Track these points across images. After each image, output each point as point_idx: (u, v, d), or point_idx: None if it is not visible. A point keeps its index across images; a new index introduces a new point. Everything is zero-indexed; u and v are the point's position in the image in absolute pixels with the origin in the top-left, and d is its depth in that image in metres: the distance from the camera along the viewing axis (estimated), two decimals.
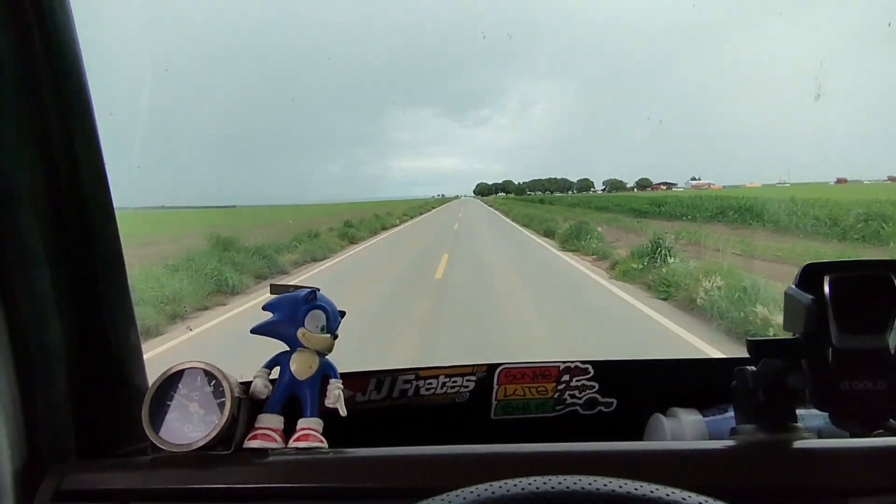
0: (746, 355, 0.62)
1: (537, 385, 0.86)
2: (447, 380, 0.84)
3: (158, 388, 0.60)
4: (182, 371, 0.61)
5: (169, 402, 0.60)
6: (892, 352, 0.46)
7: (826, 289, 0.47)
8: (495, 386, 0.84)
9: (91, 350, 0.65)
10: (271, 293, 0.70)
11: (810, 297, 0.48)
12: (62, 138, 0.60)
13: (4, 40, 0.56)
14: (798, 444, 0.59)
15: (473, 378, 0.84)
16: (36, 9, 0.57)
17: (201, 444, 0.59)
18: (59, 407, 0.62)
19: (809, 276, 0.49)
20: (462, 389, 0.84)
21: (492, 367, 0.84)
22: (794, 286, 0.50)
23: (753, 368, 0.62)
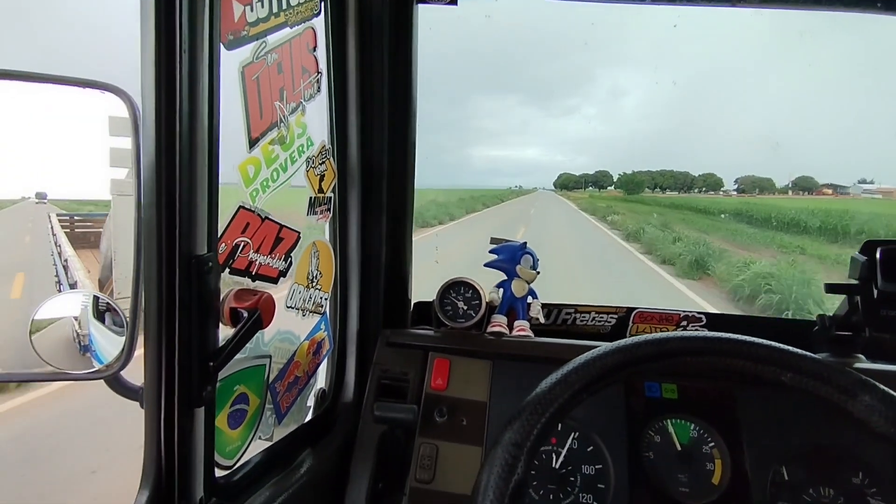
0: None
1: (662, 326, 1.19)
2: (597, 315, 1.20)
3: (443, 292, 1.03)
4: (454, 282, 1.04)
5: (446, 300, 1.03)
6: None
7: (878, 254, 0.77)
8: (630, 324, 1.19)
9: (392, 266, 1.10)
10: (491, 243, 1.10)
11: (865, 257, 0.78)
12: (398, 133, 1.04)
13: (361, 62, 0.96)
14: (858, 364, 0.89)
15: (615, 316, 1.19)
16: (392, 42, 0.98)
17: (467, 325, 1.01)
18: (378, 299, 1.07)
19: (868, 248, 0.79)
20: (606, 324, 1.20)
21: (630, 310, 1.18)
22: (857, 253, 0.81)
23: (831, 314, 0.92)
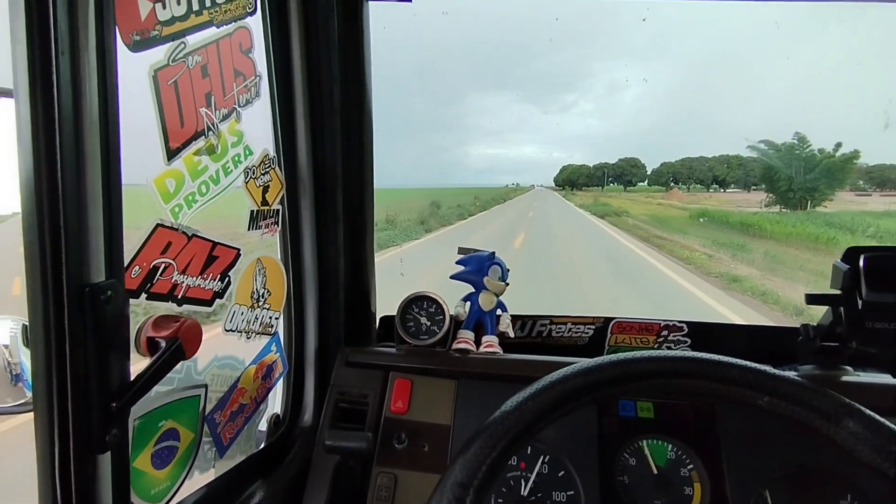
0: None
1: (642, 336, 1.13)
2: (573, 326, 1.14)
3: (404, 307, 0.97)
4: (416, 297, 0.97)
5: (408, 316, 0.97)
6: None
7: (861, 262, 0.71)
8: (609, 334, 1.13)
9: (353, 279, 1.03)
10: (459, 253, 1.04)
11: (848, 266, 0.72)
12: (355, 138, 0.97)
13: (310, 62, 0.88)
14: (845, 377, 0.83)
15: (593, 327, 1.13)
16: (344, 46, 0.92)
17: (429, 342, 0.94)
18: (338, 316, 1.01)
19: (850, 255, 0.73)
20: (583, 335, 1.14)
21: (608, 320, 1.12)
22: (839, 261, 0.75)
23: (815, 324, 0.86)
